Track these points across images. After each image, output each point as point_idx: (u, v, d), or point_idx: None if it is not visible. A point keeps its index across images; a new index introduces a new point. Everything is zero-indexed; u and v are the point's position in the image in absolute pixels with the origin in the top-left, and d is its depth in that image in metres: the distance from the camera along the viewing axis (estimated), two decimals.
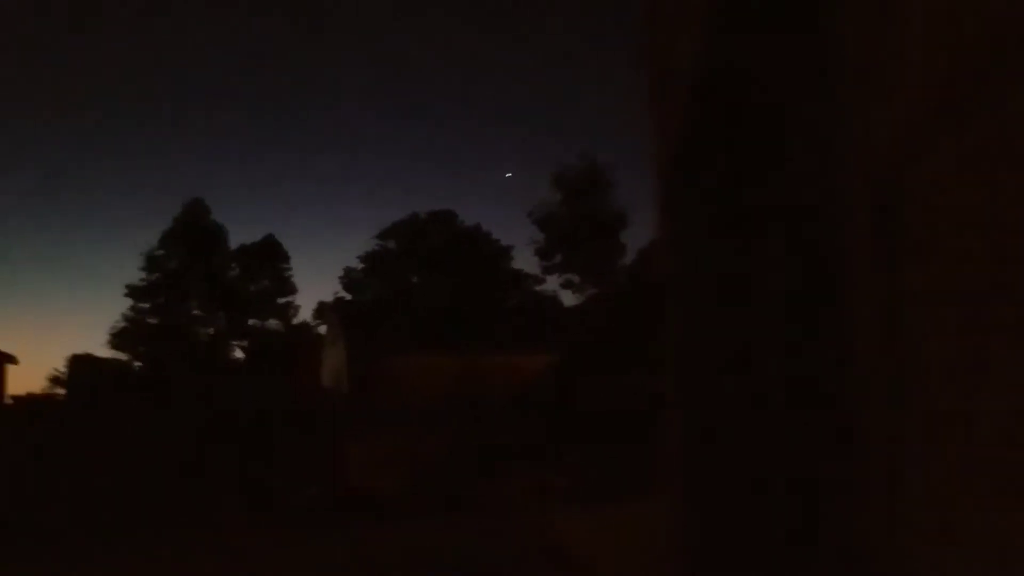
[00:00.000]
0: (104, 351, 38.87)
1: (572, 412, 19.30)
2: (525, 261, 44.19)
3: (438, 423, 18.93)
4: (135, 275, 39.96)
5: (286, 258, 42.18)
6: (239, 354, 40.16)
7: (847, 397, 1.84)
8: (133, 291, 39.85)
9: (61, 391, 35.08)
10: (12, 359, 24.15)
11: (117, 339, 39.34)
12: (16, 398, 23.75)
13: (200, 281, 40.11)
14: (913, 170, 1.65)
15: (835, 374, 1.95)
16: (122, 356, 38.91)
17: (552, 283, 38.69)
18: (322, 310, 41.85)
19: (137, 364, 38.39)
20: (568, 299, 36.91)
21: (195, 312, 40.79)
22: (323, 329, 37.01)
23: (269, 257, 41.83)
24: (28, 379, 60.29)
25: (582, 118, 48.74)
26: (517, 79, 51.99)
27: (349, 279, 42.65)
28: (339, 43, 52.61)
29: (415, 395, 22.18)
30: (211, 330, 40.53)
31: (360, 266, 42.75)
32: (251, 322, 41.44)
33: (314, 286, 66.97)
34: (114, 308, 48.08)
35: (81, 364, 37.01)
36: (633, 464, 15.55)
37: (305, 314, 43.21)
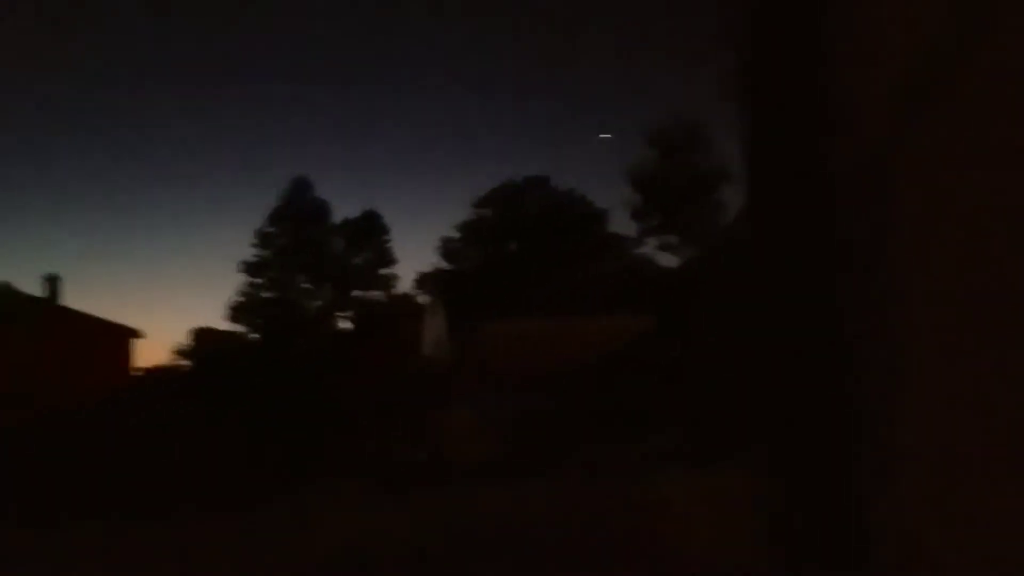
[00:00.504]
0: (223, 324, 41.31)
1: (670, 374, 19.08)
2: (622, 224, 43.60)
3: (538, 388, 19.13)
4: (249, 251, 42.08)
5: (386, 230, 43.34)
6: (345, 325, 41.70)
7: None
8: (247, 267, 41.97)
9: (185, 363, 37.46)
10: (138, 333, 26.01)
11: (234, 312, 41.59)
12: (144, 370, 25.58)
13: (307, 256, 41.82)
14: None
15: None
16: (239, 328, 41.16)
17: (650, 246, 38.07)
18: (422, 280, 42.81)
19: (253, 335, 40.47)
20: (668, 261, 36.26)
21: (304, 285, 42.58)
22: (423, 299, 37.87)
23: (370, 230, 43.05)
24: (154, 352, 64.75)
25: (677, 75, 47.34)
26: (609, 37, 50.88)
27: (447, 248, 43.39)
28: (430, 16, 52.93)
29: (514, 361, 22.44)
30: (318, 302, 42.25)
31: (457, 235, 43.38)
32: (355, 294, 42.89)
33: (414, 257, 68.48)
34: (231, 283, 50.77)
35: (203, 337, 39.44)
36: (739, 427, 15.27)
37: (406, 284, 44.36)
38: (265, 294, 41.94)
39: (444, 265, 42.60)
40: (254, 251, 42.04)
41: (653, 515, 9.69)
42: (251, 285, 42.09)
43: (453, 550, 9.31)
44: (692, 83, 46.88)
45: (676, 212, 36.59)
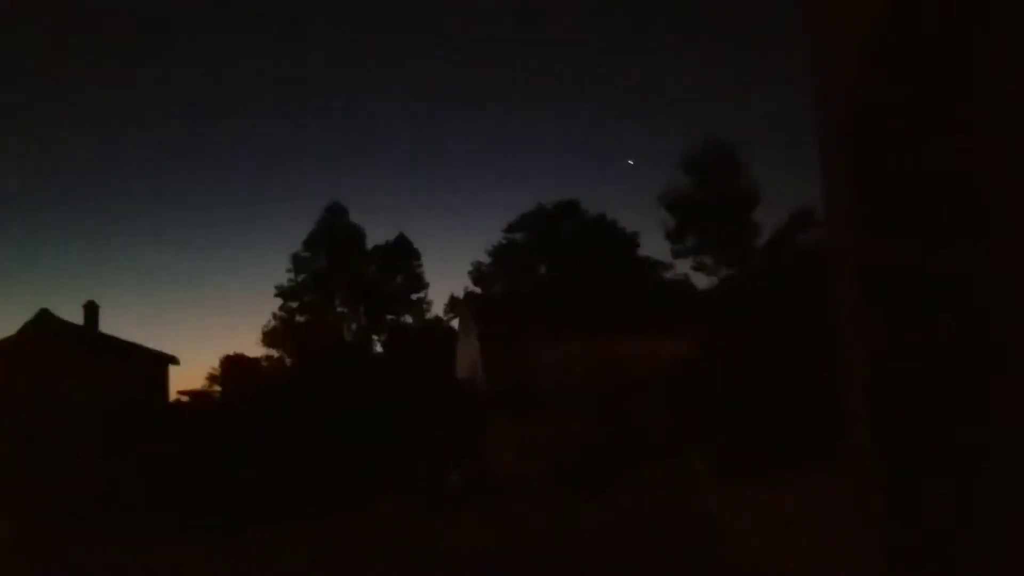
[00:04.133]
0: (257, 350, 41.55)
1: (712, 395, 18.77)
2: (654, 247, 43.31)
3: (575, 410, 18.93)
4: (283, 277, 42.39)
5: (417, 255, 43.52)
6: (378, 348, 41.73)
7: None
8: (282, 291, 42.27)
9: (218, 388, 37.71)
10: (174, 360, 26.16)
11: (269, 337, 41.84)
12: (184, 394, 25.73)
13: (342, 280, 42.05)
14: None
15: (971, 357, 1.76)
16: (274, 353, 41.39)
17: (683, 267, 37.78)
18: (454, 304, 42.81)
19: (288, 360, 40.64)
20: (701, 282, 35.89)
21: (339, 309, 42.76)
22: (455, 323, 37.80)
23: (402, 255, 43.24)
24: (190, 378, 65.27)
25: (702, 97, 47.16)
26: (636, 66, 50.96)
27: (478, 273, 43.40)
28: (462, 41, 53.46)
29: (549, 383, 22.21)
30: (353, 326, 42.38)
31: (488, 260, 43.41)
32: (388, 317, 42.99)
33: (444, 281, 68.61)
34: (265, 308, 51.08)
35: (232, 364, 39.69)
36: (778, 444, 15.07)
37: (437, 308, 44.40)
38: (300, 318, 42.17)
39: (475, 289, 42.62)
40: (289, 276, 42.38)
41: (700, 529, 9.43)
42: (286, 309, 42.37)
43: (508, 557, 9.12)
44: (724, 105, 46.70)
45: (710, 233, 36.31)
